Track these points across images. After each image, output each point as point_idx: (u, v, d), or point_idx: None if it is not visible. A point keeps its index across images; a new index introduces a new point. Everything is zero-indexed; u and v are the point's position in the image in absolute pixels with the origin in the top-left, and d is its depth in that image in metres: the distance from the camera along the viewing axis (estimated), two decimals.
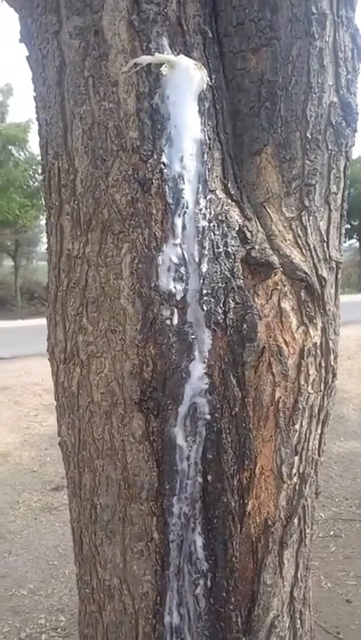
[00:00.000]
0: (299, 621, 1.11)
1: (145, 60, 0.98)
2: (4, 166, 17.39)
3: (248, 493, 0.99)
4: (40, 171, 18.11)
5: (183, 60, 0.99)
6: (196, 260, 0.97)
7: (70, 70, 1.02)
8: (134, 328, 0.96)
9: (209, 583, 0.96)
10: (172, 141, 0.99)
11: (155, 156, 0.98)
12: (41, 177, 18.12)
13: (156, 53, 0.98)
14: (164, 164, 0.98)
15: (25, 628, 2.96)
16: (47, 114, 1.07)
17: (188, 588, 0.96)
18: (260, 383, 1.00)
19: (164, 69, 0.98)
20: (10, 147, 17.86)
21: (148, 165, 0.98)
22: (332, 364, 1.11)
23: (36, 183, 18.34)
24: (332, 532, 3.24)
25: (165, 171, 0.98)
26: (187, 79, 0.99)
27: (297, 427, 1.04)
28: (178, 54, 1.00)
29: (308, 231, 1.09)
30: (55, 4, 1.03)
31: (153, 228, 0.97)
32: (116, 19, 0.99)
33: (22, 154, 18.36)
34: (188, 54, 1.01)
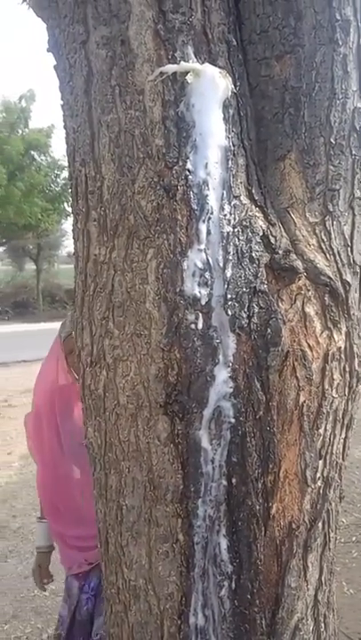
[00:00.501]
0: (323, 625, 1.11)
1: (171, 68, 1.00)
2: (26, 171, 17.59)
3: (272, 497, 1.00)
4: (62, 175, 18.29)
5: (208, 69, 1.01)
6: (221, 265, 0.99)
7: (97, 79, 1.04)
8: (160, 332, 0.98)
9: (233, 585, 0.97)
10: (197, 148, 1.00)
11: (180, 163, 0.99)
12: (62, 181, 18.31)
13: (182, 62, 1.00)
14: (189, 170, 0.99)
15: (47, 629, 2.98)
16: (75, 122, 1.09)
17: (213, 589, 0.97)
18: (285, 387, 1.01)
19: (189, 78, 1.00)
20: (32, 152, 18.07)
21: (174, 172, 0.99)
22: (357, 368, 1.11)
23: (58, 187, 18.53)
24: (354, 538, 3.22)
25: (190, 177, 0.99)
26: (212, 87, 1.01)
27: (321, 431, 1.04)
28: (203, 62, 1.02)
29: (332, 236, 1.09)
30: (83, 14, 1.06)
31: (178, 233, 0.99)
32: (143, 28, 1.01)
33: (44, 158, 18.56)
34: (213, 62, 1.03)
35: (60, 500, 2.25)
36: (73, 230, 1.16)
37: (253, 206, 1.05)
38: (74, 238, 1.16)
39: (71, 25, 1.08)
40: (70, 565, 2.18)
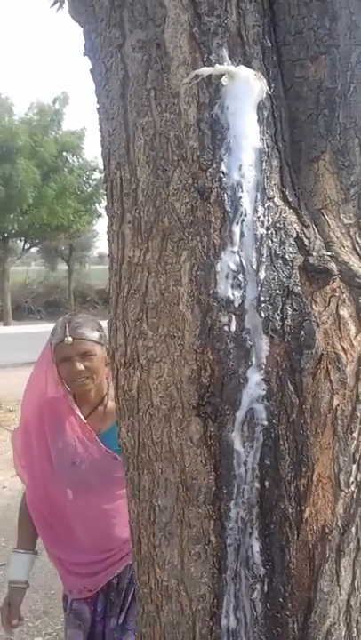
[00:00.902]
0: (355, 630, 1.10)
1: (205, 71, 1.00)
2: (59, 173, 17.81)
3: (305, 500, 0.99)
4: (93, 176, 18.47)
5: (243, 71, 1.01)
6: (254, 267, 0.99)
7: (133, 83, 1.05)
8: (193, 334, 0.98)
9: (266, 588, 0.97)
10: (231, 150, 1.00)
11: (214, 165, 1.00)
12: (94, 183, 18.50)
13: (217, 64, 1.00)
14: (223, 172, 1.00)
15: None
16: (110, 125, 1.11)
17: (245, 592, 0.97)
18: (318, 390, 1.00)
19: (224, 80, 1.00)
20: (65, 153, 18.29)
21: (208, 174, 0.99)
22: None
23: (90, 189, 18.71)
24: None
25: (224, 179, 0.99)
26: (246, 89, 1.01)
27: (355, 435, 1.03)
28: (238, 65, 1.02)
29: None
30: (119, 18, 1.07)
31: (212, 235, 0.99)
32: (178, 31, 1.01)
33: (76, 160, 18.76)
34: (247, 64, 1.03)
35: (54, 522, 2.10)
36: (108, 232, 1.17)
37: (287, 208, 1.05)
38: (108, 240, 1.17)
39: (108, 29, 1.09)
40: (71, 589, 2.09)
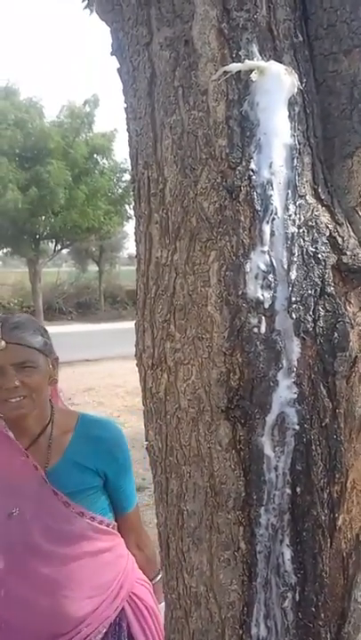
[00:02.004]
0: None
1: (235, 67, 0.98)
2: (90, 174, 17.95)
3: (339, 507, 0.96)
4: (124, 178, 18.57)
5: (273, 66, 0.98)
6: (285, 266, 0.96)
7: (161, 81, 1.04)
8: (221, 336, 0.96)
9: (297, 597, 0.94)
10: (261, 148, 0.98)
11: (243, 163, 0.97)
12: (124, 184, 18.59)
13: (246, 60, 0.98)
14: (252, 170, 0.97)
15: None
16: (137, 124, 1.09)
17: (276, 600, 0.95)
18: (352, 394, 0.97)
19: (253, 76, 0.98)
20: (96, 155, 18.43)
21: (237, 173, 0.97)
22: None
23: (120, 190, 18.81)
24: None
25: (254, 177, 0.97)
26: (277, 85, 0.98)
27: None
28: (268, 60, 1.00)
29: None
30: (146, 16, 1.06)
31: (241, 235, 0.97)
32: (206, 28, 0.99)
33: (107, 162, 18.89)
34: (278, 59, 1.00)
35: None
36: (135, 233, 1.16)
37: (320, 206, 1.02)
38: (136, 241, 1.16)
39: (135, 27, 1.08)
40: None
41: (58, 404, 1.72)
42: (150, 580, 1.73)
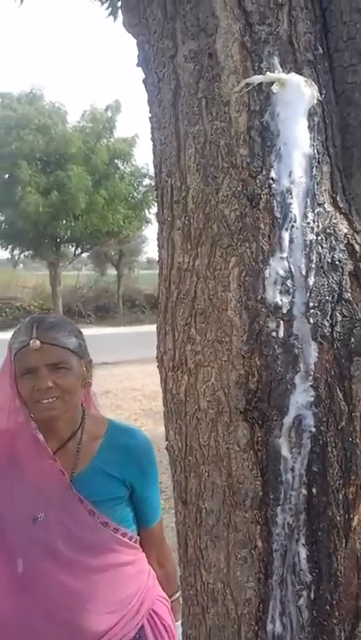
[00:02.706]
0: None
1: (256, 79, 1.01)
2: (110, 179, 18.05)
3: (354, 508, 0.98)
4: (144, 183, 18.65)
5: (294, 78, 1.01)
6: (303, 272, 0.99)
7: (185, 92, 1.07)
8: (241, 339, 0.99)
9: (313, 595, 0.97)
10: (281, 157, 1.01)
11: (264, 172, 1.00)
12: (144, 189, 18.66)
13: (268, 72, 1.01)
14: (272, 179, 1.00)
15: None
16: (162, 134, 1.13)
17: (292, 598, 0.97)
18: None
19: (274, 88, 1.01)
20: (116, 160, 18.53)
21: (257, 181, 1.00)
22: None
23: (140, 195, 18.87)
24: None
25: (274, 186, 1.00)
26: (297, 96, 1.01)
27: None
28: (289, 72, 1.03)
29: None
30: (172, 29, 1.09)
31: (260, 241, 1.00)
32: (229, 41, 1.03)
33: (127, 167, 18.98)
34: (298, 71, 1.03)
35: None
36: (158, 239, 1.19)
37: (338, 213, 1.04)
38: (158, 246, 1.19)
39: (160, 40, 1.11)
40: None
41: (90, 409, 1.71)
42: (169, 597, 1.63)
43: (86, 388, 1.63)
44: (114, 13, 1.97)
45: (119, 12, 1.28)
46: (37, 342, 1.43)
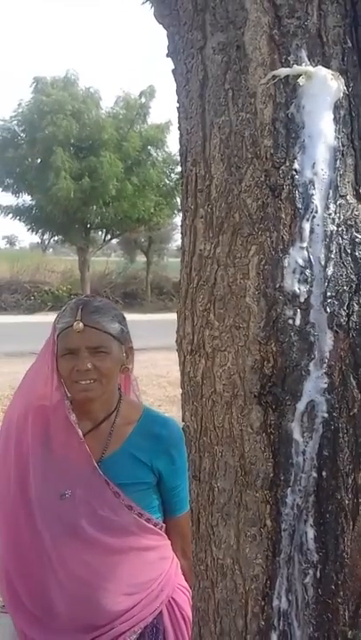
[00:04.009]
0: None
1: (283, 72, 1.03)
2: (142, 166, 18.08)
3: None
4: (177, 170, 18.65)
5: (321, 71, 1.03)
6: (322, 263, 1.01)
7: (212, 83, 1.10)
8: (258, 325, 1.02)
9: (318, 574, 1.00)
10: (305, 149, 1.03)
11: (287, 163, 1.03)
12: (176, 176, 18.67)
13: (295, 65, 1.03)
14: (295, 170, 1.02)
15: None
16: (188, 124, 1.16)
17: (298, 576, 1.01)
18: None
19: (301, 80, 1.03)
20: (149, 147, 18.53)
21: (281, 172, 1.03)
22: None
23: (171, 183, 18.87)
24: None
25: (297, 177, 1.02)
26: (324, 89, 1.03)
27: None
28: (316, 65, 1.04)
29: None
30: (201, 21, 1.12)
31: (281, 231, 1.02)
32: (258, 34, 1.05)
33: (159, 153, 18.97)
34: (326, 65, 1.05)
35: (21, 582, 1.55)
36: (181, 226, 1.23)
37: (360, 206, 1.06)
38: (182, 233, 1.23)
39: (190, 32, 1.14)
40: None
41: (129, 394, 1.76)
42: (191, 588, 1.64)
43: (125, 373, 1.70)
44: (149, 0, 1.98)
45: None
46: (81, 324, 1.50)
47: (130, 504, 1.57)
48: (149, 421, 1.68)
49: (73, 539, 1.54)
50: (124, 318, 1.66)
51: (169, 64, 1.28)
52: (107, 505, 1.55)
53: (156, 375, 9.36)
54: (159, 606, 1.61)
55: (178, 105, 1.21)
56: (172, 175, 19.11)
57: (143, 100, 18.33)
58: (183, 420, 1.19)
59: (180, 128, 1.21)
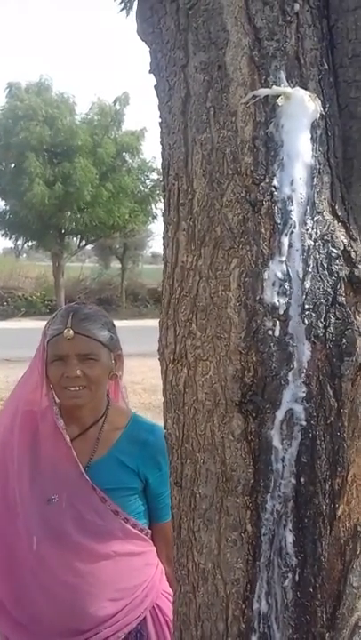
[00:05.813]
0: None
1: (263, 92, 1.07)
2: (117, 172, 18.08)
3: (339, 499, 1.05)
4: (151, 177, 18.68)
5: (298, 92, 1.07)
6: (300, 276, 1.05)
7: (194, 101, 1.13)
8: (238, 336, 1.05)
9: (297, 578, 1.03)
10: (283, 166, 1.07)
11: (267, 180, 1.07)
12: (151, 183, 18.69)
13: (274, 86, 1.07)
14: (274, 187, 1.06)
15: None
16: (171, 139, 1.19)
17: (277, 579, 1.04)
18: (357, 396, 1.05)
19: (280, 101, 1.07)
20: (124, 153, 18.55)
21: (260, 188, 1.06)
22: None
23: (146, 190, 18.91)
24: None
25: (276, 193, 1.06)
26: (301, 109, 1.07)
27: None
28: (294, 86, 1.09)
29: None
30: (184, 40, 1.15)
31: (261, 245, 1.06)
32: (239, 54, 1.09)
33: (135, 161, 19.00)
34: (303, 86, 1.09)
35: (4, 587, 1.56)
36: (163, 238, 1.26)
37: (336, 222, 1.10)
38: (164, 245, 1.26)
39: (173, 50, 1.17)
40: None
41: (118, 400, 1.78)
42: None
43: (114, 379, 1.72)
44: (127, 8, 2.01)
45: (134, 4, 1.34)
46: (71, 332, 1.53)
47: (116, 509, 1.58)
48: (137, 428, 1.70)
49: (58, 543, 1.55)
50: (113, 326, 1.68)
51: (144, 71, 1.31)
52: (93, 510, 1.56)
53: (131, 382, 9.33)
54: (143, 612, 1.62)
55: (160, 120, 1.24)
56: (148, 182, 19.17)
57: (118, 106, 18.37)
58: (165, 428, 1.22)
59: (162, 142, 1.24)
